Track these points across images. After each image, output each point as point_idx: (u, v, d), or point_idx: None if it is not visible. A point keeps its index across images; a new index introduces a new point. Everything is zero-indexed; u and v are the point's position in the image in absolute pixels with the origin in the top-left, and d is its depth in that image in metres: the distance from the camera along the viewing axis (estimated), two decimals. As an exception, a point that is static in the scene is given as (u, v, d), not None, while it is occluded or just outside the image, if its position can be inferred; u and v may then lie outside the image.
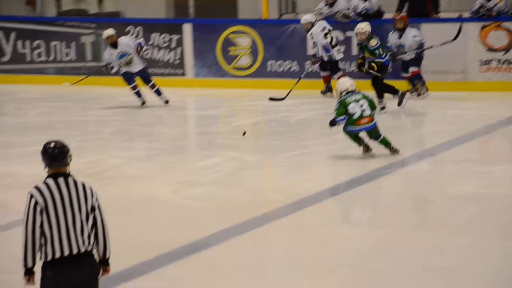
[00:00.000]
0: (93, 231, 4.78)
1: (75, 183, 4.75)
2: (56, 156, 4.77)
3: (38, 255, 4.69)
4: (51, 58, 16.85)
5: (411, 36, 13.99)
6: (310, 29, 14.20)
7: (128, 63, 13.42)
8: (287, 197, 8.63)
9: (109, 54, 13.55)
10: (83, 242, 4.71)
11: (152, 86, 13.67)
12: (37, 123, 13.08)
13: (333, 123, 10.08)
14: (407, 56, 13.96)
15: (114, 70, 13.58)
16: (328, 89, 14.40)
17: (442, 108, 13.57)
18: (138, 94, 13.68)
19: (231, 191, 8.95)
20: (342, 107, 9.96)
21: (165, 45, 16.22)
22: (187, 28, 16.11)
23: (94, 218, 4.78)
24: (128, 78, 13.57)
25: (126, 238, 7.35)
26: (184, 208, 8.39)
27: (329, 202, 8.53)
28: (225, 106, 14.49)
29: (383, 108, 12.83)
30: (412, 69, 14.02)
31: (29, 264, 4.67)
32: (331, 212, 8.24)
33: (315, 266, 6.54)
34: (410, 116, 13.17)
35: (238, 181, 9.44)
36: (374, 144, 10.02)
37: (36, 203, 4.64)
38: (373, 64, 12.80)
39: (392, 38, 14.05)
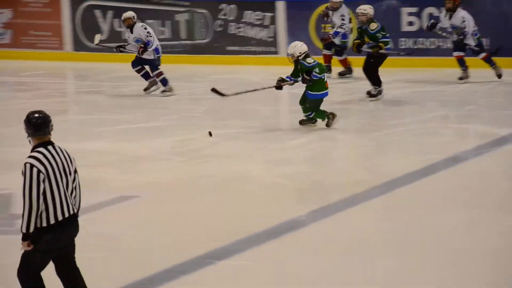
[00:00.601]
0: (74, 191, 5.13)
1: (61, 149, 5.05)
2: (40, 126, 5.03)
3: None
4: (146, 36, 17.06)
5: (460, 17, 13.34)
6: (338, 8, 14.02)
7: (140, 48, 13.23)
8: (379, 177, 8.60)
9: (127, 36, 13.51)
10: (73, 203, 5.08)
11: (158, 75, 13.29)
12: (132, 101, 13.28)
13: (307, 80, 10.38)
14: (452, 38, 13.39)
15: (131, 52, 13.38)
16: (329, 69, 14.22)
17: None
18: (146, 76, 13.34)
19: (323, 170, 8.97)
20: (321, 66, 10.43)
21: (258, 23, 16.26)
22: (281, 6, 16.12)
23: (76, 180, 5.11)
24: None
25: (219, 217, 7.45)
26: (276, 187, 8.45)
27: (421, 182, 8.46)
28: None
29: (378, 93, 12.27)
30: (455, 53, 13.44)
31: (31, 229, 4.95)
32: (422, 192, 8.17)
33: (404, 247, 6.52)
34: (505, 94, 12.94)
35: (330, 160, 9.45)
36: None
37: (38, 171, 4.91)
38: (381, 44, 12.16)
39: (443, 19, 13.50)
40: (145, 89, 13.41)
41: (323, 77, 10.45)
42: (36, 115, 5.04)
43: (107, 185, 8.57)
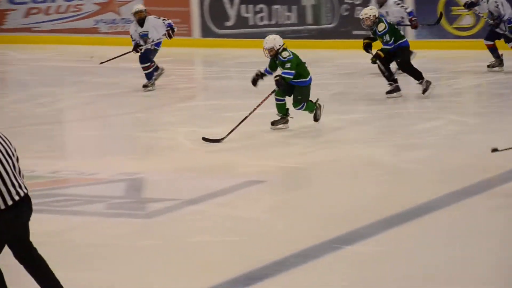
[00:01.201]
0: None
1: None
2: None
3: None
4: (273, 22, 17.16)
5: (493, 1, 12.69)
6: (385, 1, 13.08)
7: (146, 42, 12.93)
8: (511, 162, 8.40)
9: (134, 30, 13.09)
10: (24, 183, 5.04)
11: (145, 68, 13.01)
12: (259, 87, 13.36)
13: (282, 82, 9.97)
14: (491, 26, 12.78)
15: (143, 49, 12.99)
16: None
17: None
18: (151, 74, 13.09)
19: (451, 155, 8.83)
20: (295, 60, 9.95)
21: (385, 6, 16.09)
22: (410, -12, 15.92)
23: (18, 160, 5.07)
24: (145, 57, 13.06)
25: (345, 202, 7.44)
26: (404, 171, 8.38)
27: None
28: (446, 68, 14.23)
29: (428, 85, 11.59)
30: (485, 42, 12.95)
31: None
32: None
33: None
34: None
35: (459, 145, 9.30)
36: None
37: None
38: (379, 52, 11.47)
39: (482, 2, 12.87)
40: (144, 86, 13.05)
41: (304, 62, 10.14)
42: None
43: (236, 170, 8.67)
